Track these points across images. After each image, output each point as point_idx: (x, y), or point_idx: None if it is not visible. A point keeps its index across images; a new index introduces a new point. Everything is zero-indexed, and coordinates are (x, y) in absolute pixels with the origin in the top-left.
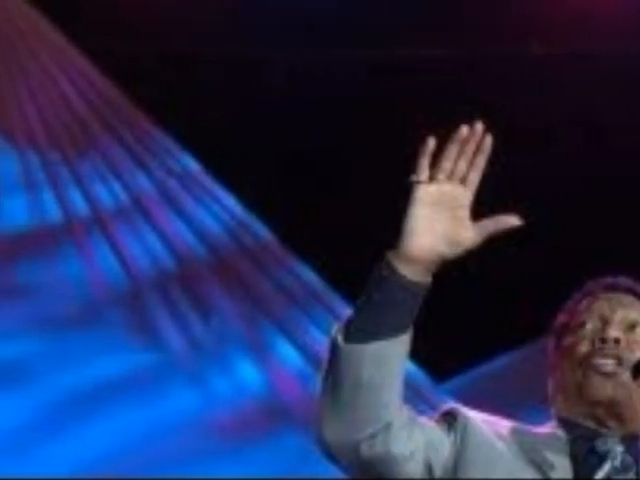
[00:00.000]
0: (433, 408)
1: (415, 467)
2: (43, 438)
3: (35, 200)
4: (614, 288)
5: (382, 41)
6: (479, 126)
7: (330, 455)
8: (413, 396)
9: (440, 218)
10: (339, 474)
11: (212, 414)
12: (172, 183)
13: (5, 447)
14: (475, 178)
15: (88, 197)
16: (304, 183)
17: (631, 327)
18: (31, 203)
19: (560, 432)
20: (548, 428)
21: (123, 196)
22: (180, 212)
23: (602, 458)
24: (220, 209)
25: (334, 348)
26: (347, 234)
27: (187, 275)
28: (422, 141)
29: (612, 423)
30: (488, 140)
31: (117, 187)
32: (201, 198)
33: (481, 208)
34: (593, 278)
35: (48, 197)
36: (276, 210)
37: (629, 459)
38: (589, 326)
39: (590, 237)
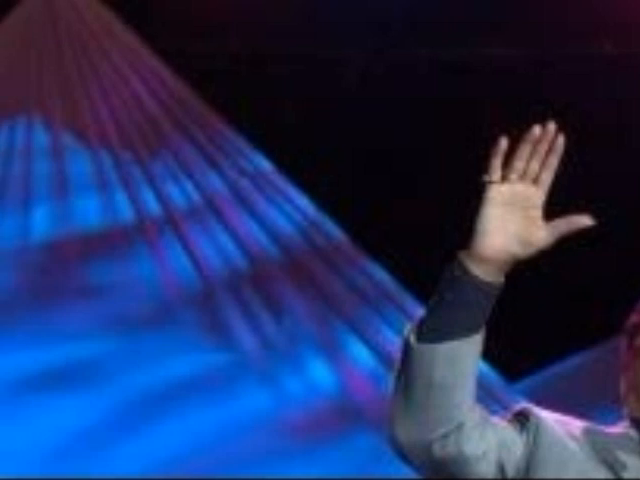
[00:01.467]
0: (505, 408)
1: (487, 467)
2: (115, 438)
3: (108, 200)
4: None
5: (457, 41)
6: (552, 126)
7: (402, 455)
8: (485, 396)
9: (512, 218)
10: (411, 474)
11: (284, 414)
12: (244, 183)
13: (78, 447)
14: (547, 178)
15: (160, 197)
16: (376, 183)
17: None
18: (104, 203)
19: (632, 432)
20: (620, 428)
21: (195, 196)
22: (252, 212)
23: None
24: (292, 209)
25: (406, 348)
26: (419, 234)
27: (259, 275)
28: (495, 141)
29: None
30: (561, 140)
31: (189, 187)
32: (273, 198)
33: (553, 208)
34: None
35: (120, 197)
36: (348, 210)
37: None
38: None
39: None
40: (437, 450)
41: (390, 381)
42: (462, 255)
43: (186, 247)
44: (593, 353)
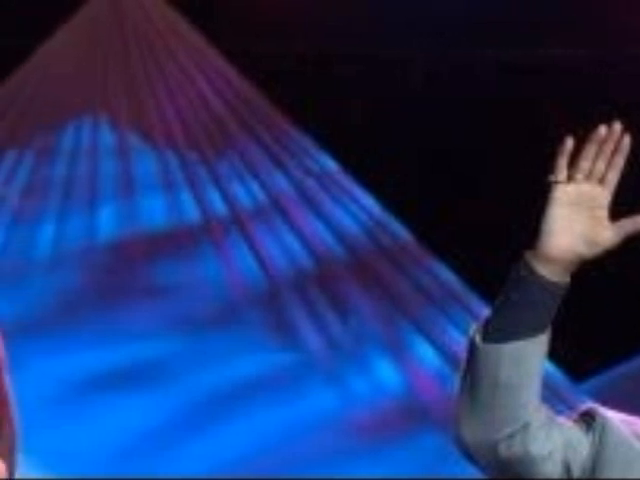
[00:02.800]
0: (571, 408)
1: (553, 467)
2: (182, 438)
3: (173, 200)
4: None
5: (521, 41)
6: (617, 126)
7: (468, 455)
8: (551, 396)
9: (578, 218)
10: (477, 474)
11: (350, 414)
12: (310, 183)
13: (144, 447)
14: (613, 178)
15: (226, 197)
16: (442, 183)
17: None
18: (170, 203)
19: None
20: None
21: (261, 196)
22: (318, 212)
23: None
24: (358, 209)
25: (472, 348)
26: (485, 234)
27: (325, 275)
28: (560, 141)
29: None
30: (627, 140)
31: (255, 187)
32: (339, 198)
33: (619, 208)
34: None
35: (186, 197)
36: (414, 210)
37: None
38: None
39: None
40: (503, 450)
41: (456, 381)
42: (528, 255)
43: (252, 247)
44: None
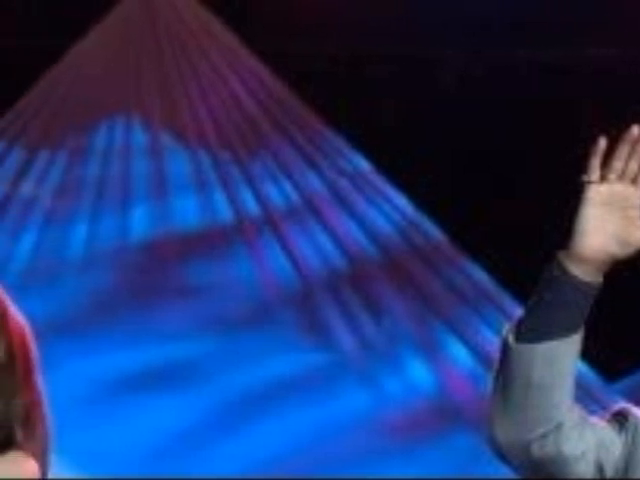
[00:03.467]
0: (604, 408)
1: (586, 467)
2: (215, 438)
3: (206, 200)
4: None
5: (555, 41)
6: None
7: (501, 455)
8: (584, 396)
9: (611, 218)
10: (510, 474)
11: (383, 414)
12: (343, 183)
13: (177, 447)
14: None
15: (259, 197)
16: (475, 183)
17: None
18: (202, 203)
19: None
20: None
21: (294, 196)
22: (351, 212)
23: None
24: (391, 209)
25: (505, 348)
26: (518, 234)
27: (358, 275)
28: (594, 141)
29: None
30: None
31: (288, 187)
32: (372, 198)
33: None
34: None
35: (219, 197)
36: (447, 210)
37: None
38: None
39: None
40: (536, 450)
41: (489, 381)
42: (561, 255)
43: (285, 247)
44: None
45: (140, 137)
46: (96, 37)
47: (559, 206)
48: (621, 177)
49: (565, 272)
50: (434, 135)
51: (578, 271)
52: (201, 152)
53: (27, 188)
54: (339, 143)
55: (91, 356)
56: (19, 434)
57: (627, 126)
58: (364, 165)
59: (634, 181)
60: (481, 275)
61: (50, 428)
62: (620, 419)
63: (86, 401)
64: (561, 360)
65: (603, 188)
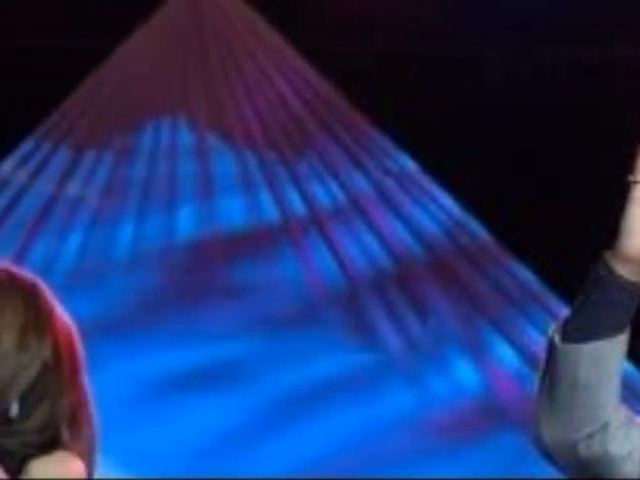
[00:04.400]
0: None
1: (632, 467)
2: (261, 438)
3: (252, 200)
4: None
5: (599, 41)
6: None
7: (547, 455)
8: (630, 396)
9: None
10: (556, 474)
11: (429, 414)
12: (389, 183)
13: (223, 447)
14: None
15: (305, 197)
16: (521, 182)
17: None
18: (249, 203)
19: None
20: None
21: (340, 196)
22: (397, 212)
23: None
24: (437, 209)
25: (551, 348)
26: (564, 233)
27: (404, 275)
28: (638, 140)
29: None
30: None
31: (334, 187)
32: (418, 198)
33: None
34: None
35: (265, 197)
36: (493, 209)
37: None
38: None
39: None
40: (582, 450)
41: (535, 381)
42: (607, 255)
43: (331, 247)
44: None
45: (186, 137)
46: (142, 37)
47: (605, 206)
48: None
49: (611, 272)
50: (480, 135)
51: (624, 271)
52: (247, 152)
53: (73, 188)
54: (385, 143)
55: (137, 356)
56: (65, 434)
57: None
58: (410, 165)
59: None
60: (527, 275)
61: (96, 428)
62: None
63: (132, 401)
64: (607, 360)
65: None
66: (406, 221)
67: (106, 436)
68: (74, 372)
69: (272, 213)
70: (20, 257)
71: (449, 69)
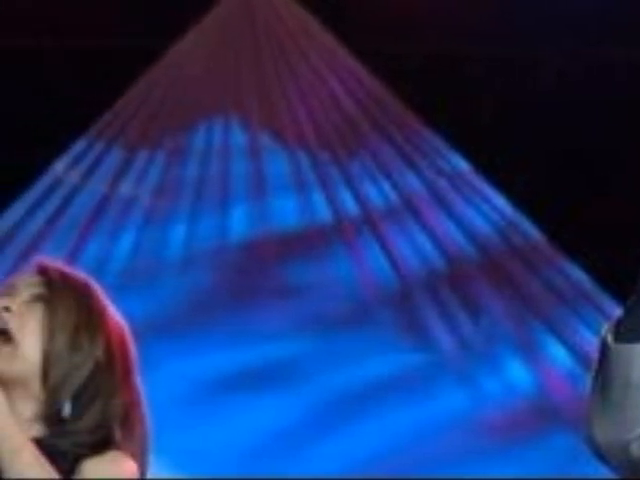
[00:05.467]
0: None
1: None
2: (313, 438)
3: (305, 200)
4: None
5: None
6: None
7: (600, 455)
8: None
9: None
10: (609, 474)
11: (481, 414)
12: (442, 183)
13: (275, 447)
14: None
15: (358, 197)
16: (573, 182)
17: None
18: (301, 203)
19: None
20: None
21: (393, 196)
22: (450, 212)
23: None
24: (489, 209)
25: (604, 348)
26: (616, 233)
27: (456, 275)
28: None
29: None
30: None
31: (387, 187)
32: (471, 198)
33: None
34: None
35: (318, 197)
36: (545, 209)
37: None
38: None
39: None
40: (635, 450)
41: (587, 381)
42: None
43: (384, 247)
44: None
45: (239, 137)
46: (195, 37)
47: None
48: None
49: None
50: (532, 134)
51: None
52: (300, 152)
53: (126, 188)
54: (438, 143)
55: (190, 356)
56: (118, 434)
57: None
58: (463, 165)
59: None
60: (580, 275)
61: (148, 428)
62: None
63: (185, 401)
64: None
65: None
66: (458, 221)
67: (159, 436)
68: (126, 372)
69: (325, 213)
70: (73, 257)
71: (501, 69)
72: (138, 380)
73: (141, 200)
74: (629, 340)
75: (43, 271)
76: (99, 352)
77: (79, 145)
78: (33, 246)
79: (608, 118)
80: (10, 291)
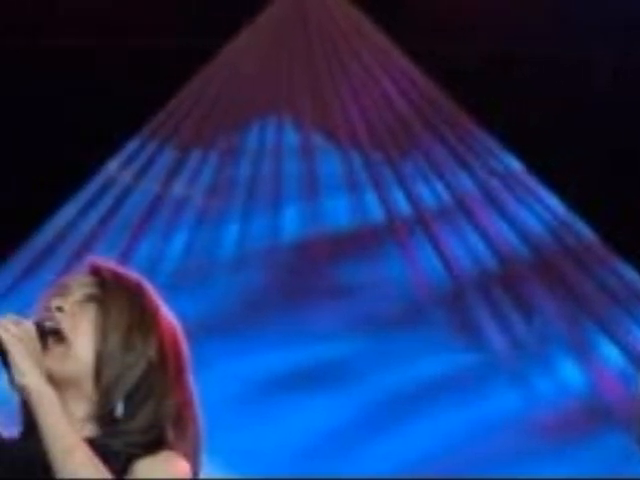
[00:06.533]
0: None
1: None
2: (365, 438)
3: (358, 200)
4: None
5: None
6: None
7: None
8: None
9: None
10: None
11: (534, 414)
12: (494, 183)
13: (327, 447)
14: None
15: (410, 197)
16: (627, 183)
17: None
18: (354, 203)
19: None
20: None
21: (445, 196)
22: (502, 212)
23: None
24: (542, 209)
25: None
26: None
27: (509, 275)
28: None
29: None
30: None
31: (439, 187)
32: (523, 198)
33: None
34: None
35: (370, 197)
36: (598, 210)
37: None
38: None
39: None
40: None
41: (639, 382)
42: None
43: (436, 247)
44: None
45: (292, 137)
46: (248, 37)
47: None
48: None
49: None
50: (585, 135)
51: None
52: (353, 152)
53: (179, 188)
54: (490, 143)
55: (242, 356)
56: (170, 434)
57: None
58: (515, 165)
59: None
60: (633, 275)
61: (201, 428)
62: None
63: (237, 401)
64: None
65: None
66: (511, 221)
67: (211, 436)
68: (179, 372)
69: (377, 213)
70: (125, 257)
71: (555, 69)
72: (190, 380)
73: (194, 200)
74: None
75: (96, 271)
76: (152, 352)
77: (132, 145)
78: (86, 246)
79: None
80: (63, 291)
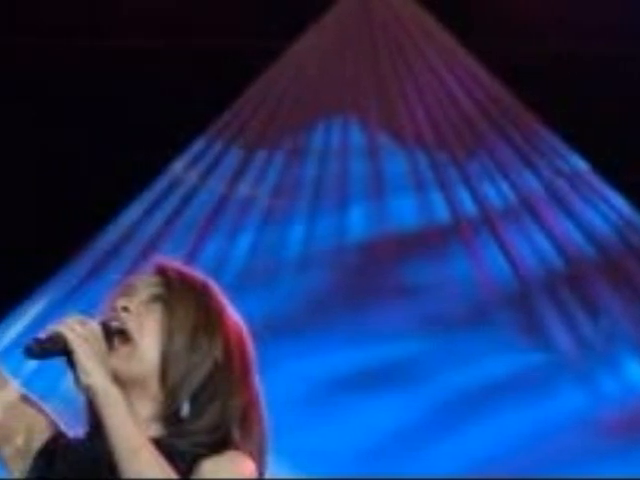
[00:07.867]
0: None
1: None
2: (431, 438)
3: (423, 200)
4: None
5: None
6: None
7: None
8: None
9: None
10: None
11: (600, 414)
12: (560, 183)
13: (393, 447)
14: None
15: (476, 197)
16: None
17: None
18: (420, 203)
19: None
20: None
21: (511, 196)
22: (568, 212)
23: None
24: (608, 209)
25: None
26: None
27: (575, 275)
28: None
29: None
30: None
31: (505, 187)
32: (589, 198)
33: None
34: None
35: (436, 197)
36: None
37: None
38: None
39: None
40: None
41: None
42: None
43: (502, 247)
44: None
45: (357, 137)
46: (313, 37)
47: None
48: None
49: None
50: None
51: None
52: (418, 152)
53: (244, 188)
54: (556, 143)
55: (308, 356)
56: (236, 434)
57: None
58: (581, 165)
59: None
60: None
61: (267, 428)
62: None
63: (303, 401)
64: None
65: None
66: (577, 221)
67: (277, 436)
68: (245, 372)
69: (443, 213)
70: (191, 257)
71: (620, 68)
72: (256, 380)
73: (259, 200)
74: None
75: (162, 271)
76: (218, 352)
77: (198, 145)
78: (152, 246)
79: None
80: (129, 291)
